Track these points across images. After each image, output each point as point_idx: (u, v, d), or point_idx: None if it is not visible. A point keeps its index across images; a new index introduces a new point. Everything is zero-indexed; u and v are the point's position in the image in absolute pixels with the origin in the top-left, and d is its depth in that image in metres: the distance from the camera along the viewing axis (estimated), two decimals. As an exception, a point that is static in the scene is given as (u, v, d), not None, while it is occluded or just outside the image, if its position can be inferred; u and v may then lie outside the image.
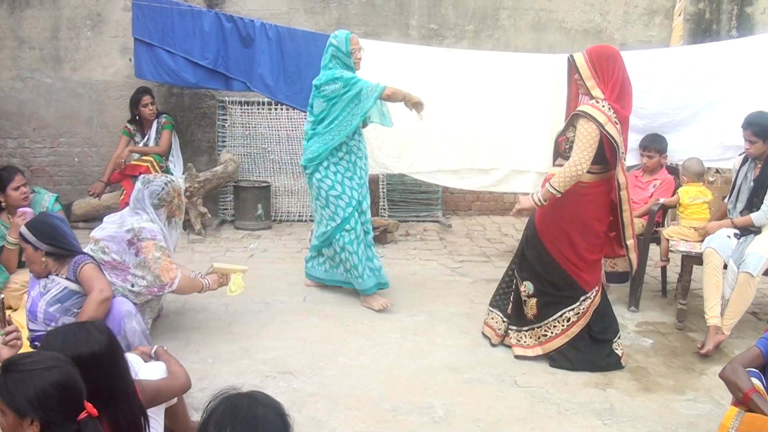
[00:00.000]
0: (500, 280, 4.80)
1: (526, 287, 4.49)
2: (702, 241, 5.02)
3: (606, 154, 4.18)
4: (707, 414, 3.81)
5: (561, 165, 4.25)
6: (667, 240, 5.30)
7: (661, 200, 5.50)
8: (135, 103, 7.08)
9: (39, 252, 3.74)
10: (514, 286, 4.63)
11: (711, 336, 4.59)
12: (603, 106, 4.12)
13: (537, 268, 4.45)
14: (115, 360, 2.58)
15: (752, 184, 4.89)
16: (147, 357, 3.31)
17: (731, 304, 4.59)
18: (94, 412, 2.18)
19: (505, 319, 4.64)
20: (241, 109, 7.70)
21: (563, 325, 4.40)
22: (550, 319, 4.43)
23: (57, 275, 3.76)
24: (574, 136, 4.19)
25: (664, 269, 5.75)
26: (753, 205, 4.85)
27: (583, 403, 3.97)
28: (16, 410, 2.11)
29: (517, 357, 4.50)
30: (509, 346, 4.59)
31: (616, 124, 4.12)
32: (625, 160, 4.36)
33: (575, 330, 4.39)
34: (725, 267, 4.72)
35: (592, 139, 4.09)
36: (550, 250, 4.39)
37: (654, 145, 5.75)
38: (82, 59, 7.62)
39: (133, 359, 3.13)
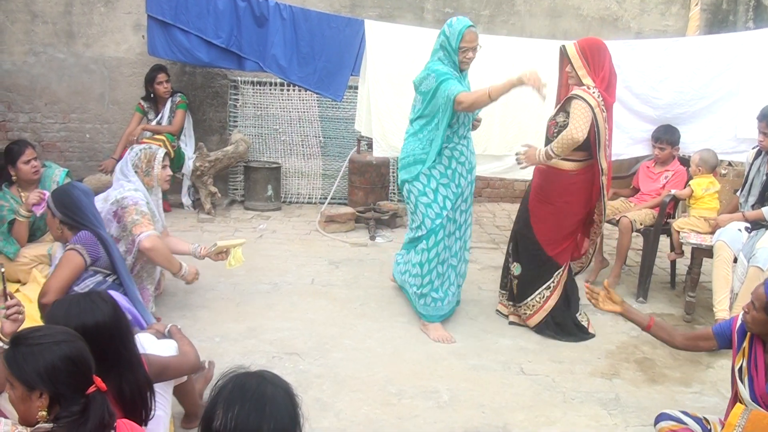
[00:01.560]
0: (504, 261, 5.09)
1: (515, 268, 4.82)
2: (712, 233, 5.00)
3: (590, 140, 4.39)
4: (713, 407, 3.81)
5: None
6: (678, 232, 5.28)
7: (673, 192, 5.46)
8: (150, 80, 7.08)
9: (55, 219, 3.80)
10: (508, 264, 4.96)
11: (718, 329, 4.58)
12: (593, 93, 4.36)
13: (522, 247, 4.77)
14: (120, 330, 2.60)
15: (765, 177, 4.86)
16: (160, 335, 3.33)
17: (740, 298, 4.57)
18: (103, 386, 2.20)
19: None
20: (254, 89, 7.68)
21: (539, 302, 4.72)
22: (528, 300, 4.75)
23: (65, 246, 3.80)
24: (563, 120, 4.44)
25: (673, 261, 5.72)
26: (765, 199, 4.83)
27: (588, 392, 3.98)
28: (25, 383, 2.13)
29: (510, 323, 4.88)
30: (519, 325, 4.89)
31: (603, 111, 4.37)
32: (610, 147, 4.58)
33: (551, 303, 4.71)
34: (735, 260, 4.70)
35: (586, 115, 4.30)
36: (536, 233, 4.70)
37: (666, 137, 5.72)
38: (95, 35, 7.60)
39: (145, 338, 3.14)
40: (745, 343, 3.06)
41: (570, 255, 4.79)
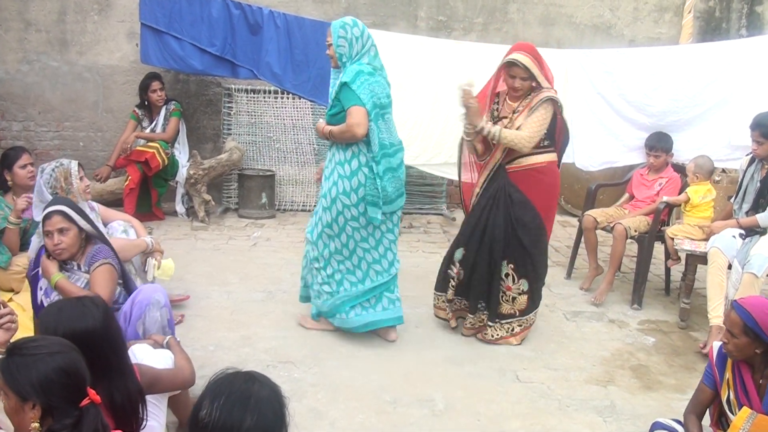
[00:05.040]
0: (452, 265, 4.73)
1: (521, 285, 4.56)
2: (707, 240, 5.01)
3: (555, 135, 4.55)
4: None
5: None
6: (672, 239, 5.28)
7: (665, 198, 5.46)
8: (144, 88, 7.08)
9: (82, 233, 3.65)
10: (489, 279, 4.58)
11: (713, 336, 4.57)
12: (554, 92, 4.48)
13: (534, 259, 4.58)
14: (110, 336, 2.59)
15: (759, 184, 4.87)
16: (158, 345, 3.30)
17: (735, 304, 4.58)
18: (97, 398, 2.18)
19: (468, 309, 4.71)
20: (247, 97, 7.67)
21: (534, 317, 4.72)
22: (532, 314, 4.66)
23: (78, 267, 3.66)
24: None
25: (668, 267, 5.73)
26: (759, 205, 4.84)
27: (584, 399, 3.97)
28: (18, 394, 2.12)
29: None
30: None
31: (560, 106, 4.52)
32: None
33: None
34: (729, 267, 4.71)
35: (546, 122, 4.40)
36: (545, 236, 4.67)
37: (661, 144, 5.74)
38: (88, 43, 7.59)
39: (139, 348, 3.12)
40: (728, 374, 3.02)
41: None
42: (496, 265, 4.53)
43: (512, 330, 4.61)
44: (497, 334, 4.60)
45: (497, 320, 4.59)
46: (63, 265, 3.66)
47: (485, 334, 4.63)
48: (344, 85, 4.21)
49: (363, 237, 4.43)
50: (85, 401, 2.15)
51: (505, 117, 4.49)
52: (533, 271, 4.57)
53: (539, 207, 4.53)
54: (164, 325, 3.59)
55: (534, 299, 4.64)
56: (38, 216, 4.29)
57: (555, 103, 4.43)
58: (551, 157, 4.57)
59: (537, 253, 4.57)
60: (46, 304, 3.62)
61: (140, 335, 3.49)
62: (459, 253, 4.66)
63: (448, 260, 4.76)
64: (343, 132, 4.22)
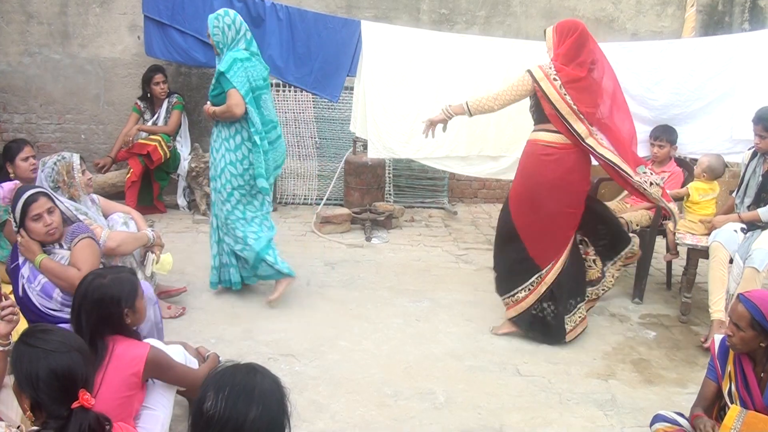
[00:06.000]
0: None
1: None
2: (708, 234, 5.01)
3: (545, 111, 4.39)
4: (709, 408, 3.81)
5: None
6: (673, 233, 5.28)
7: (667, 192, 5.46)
8: (147, 80, 7.07)
9: (62, 216, 3.67)
10: None
11: (714, 330, 4.58)
12: (545, 66, 4.37)
13: (499, 241, 4.74)
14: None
15: (761, 179, 4.86)
16: (201, 358, 3.34)
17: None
18: (88, 403, 2.19)
19: None
20: (249, 90, 7.65)
21: (513, 300, 4.63)
22: (505, 296, 4.66)
23: (60, 245, 3.66)
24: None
25: (669, 262, 5.73)
26: (761, 200, 4.83)
27: (584, 393, 3.98)
28: (17, 380, 2.20)
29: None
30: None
31: (555, 81, 4.32)
32: (584, 119, 4.40)
33: (524, 305, 4.58)
34: (731, 261, 4.71)
35: (520, 86, 4.41)
36: (513, 218, 4.59)
37: (665, 135, 5.72)
38: (90, 36, 7.58)
39: (176, 350, 3.22)
40: (730, 367, 3.03)
41: (558, 255, 4.52)
42: None
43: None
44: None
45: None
46: (42, 247, 3.64)
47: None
48: (221, 74, 4.74)
49: (249, 201, 4.98)
50: (75, 404, 2.17)
51: None
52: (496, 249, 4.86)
53: (536, 184, 4.61)
54: (157, 321, 3.61)
55: (500, 285, 4.82)
56: None
57: (527, 73, 4.40)
58: (558, 138, 4.47)
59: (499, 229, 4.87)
60: (29, 292, 3.62)
61: None
62: None
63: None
64: (224, 112, 4.79)
